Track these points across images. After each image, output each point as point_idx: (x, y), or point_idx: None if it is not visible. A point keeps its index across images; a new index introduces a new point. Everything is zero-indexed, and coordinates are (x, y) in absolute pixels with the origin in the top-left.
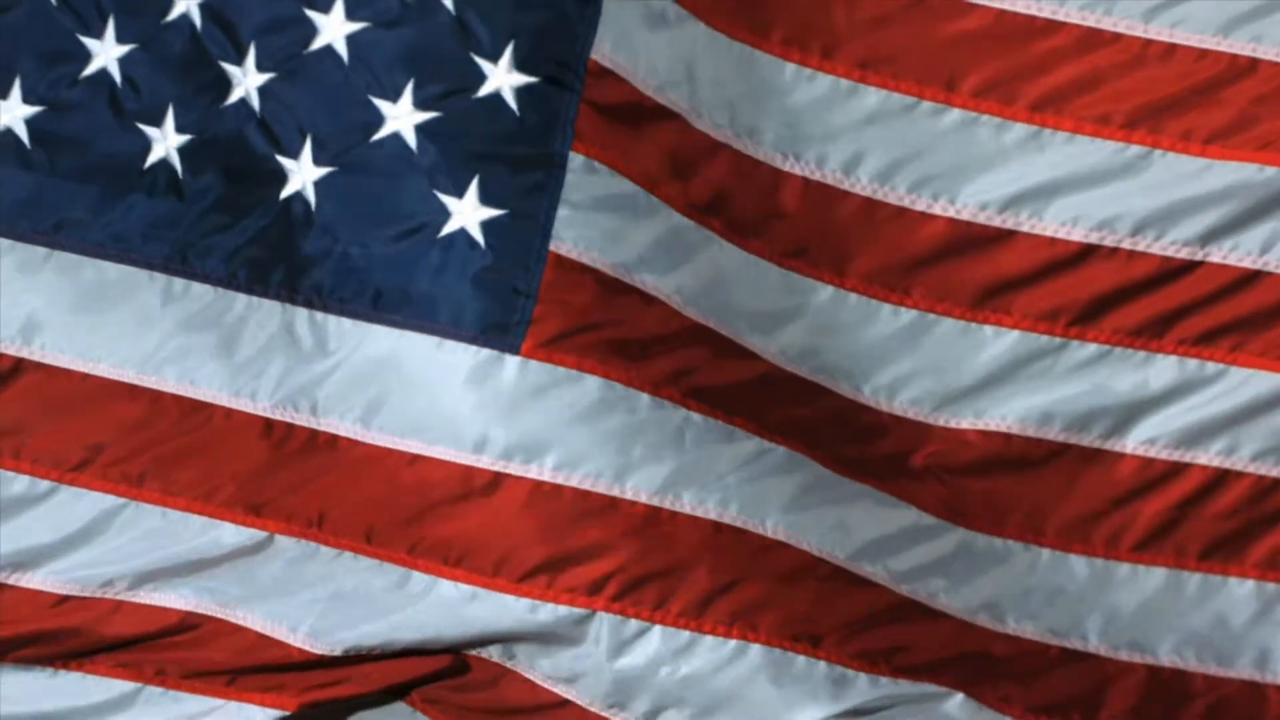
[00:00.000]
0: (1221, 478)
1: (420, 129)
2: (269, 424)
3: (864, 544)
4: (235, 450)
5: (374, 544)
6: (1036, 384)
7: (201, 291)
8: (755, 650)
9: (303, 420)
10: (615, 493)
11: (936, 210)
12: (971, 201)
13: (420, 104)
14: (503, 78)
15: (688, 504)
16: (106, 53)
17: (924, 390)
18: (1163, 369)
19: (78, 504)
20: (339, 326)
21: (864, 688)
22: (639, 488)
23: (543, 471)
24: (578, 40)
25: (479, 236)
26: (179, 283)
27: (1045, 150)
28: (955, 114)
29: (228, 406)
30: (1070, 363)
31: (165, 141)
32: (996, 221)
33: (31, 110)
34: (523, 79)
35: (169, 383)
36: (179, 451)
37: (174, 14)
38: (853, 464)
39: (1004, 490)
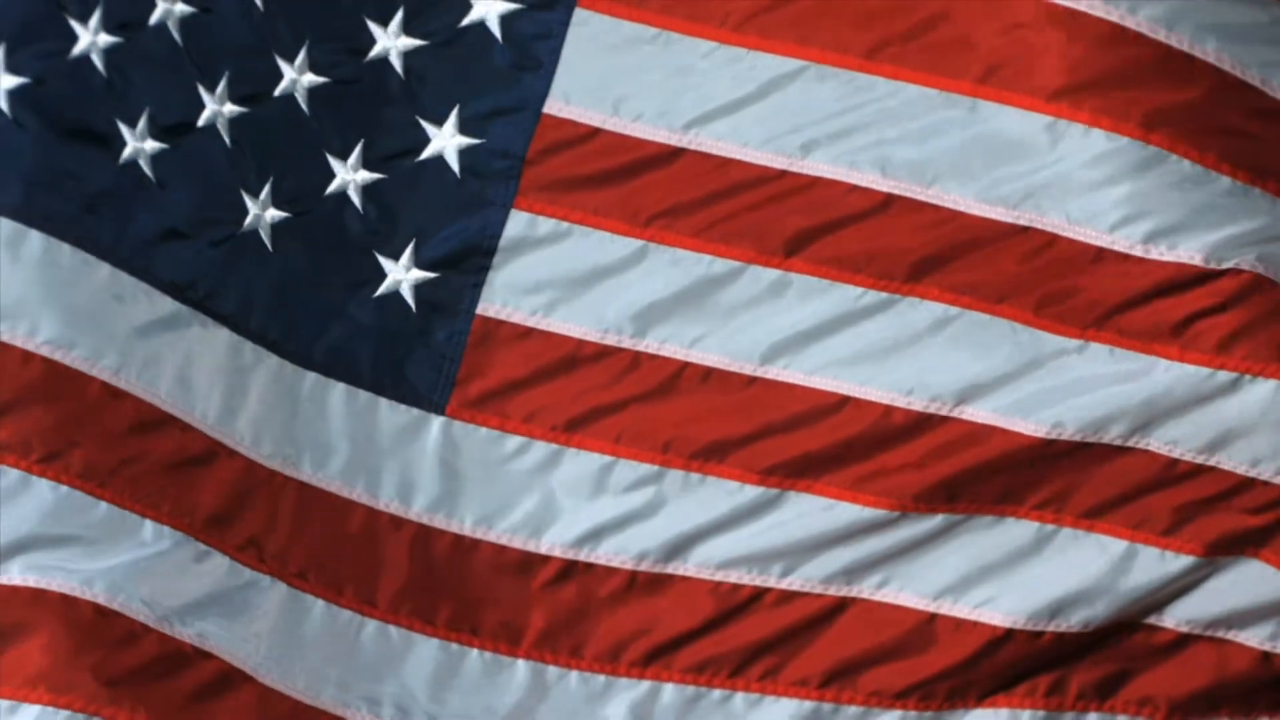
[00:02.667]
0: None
1: (365, 189)
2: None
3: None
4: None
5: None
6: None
7: (143, 290)
8: (668, 689)
9: (242, 449)
10: (530, 548)
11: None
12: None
13: (368, 164)
14: (445, 140)
15: (602, 555)
16: (93, 38)
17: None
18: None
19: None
20: (281, 368)
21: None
22: (554, 543)
23: (463, 527)
24: (528, 97)
25: (410, 299)
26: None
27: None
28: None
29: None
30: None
31: (138, 144)
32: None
33: (16, 81)
34: (466, 141)
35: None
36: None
37: (155, 18)
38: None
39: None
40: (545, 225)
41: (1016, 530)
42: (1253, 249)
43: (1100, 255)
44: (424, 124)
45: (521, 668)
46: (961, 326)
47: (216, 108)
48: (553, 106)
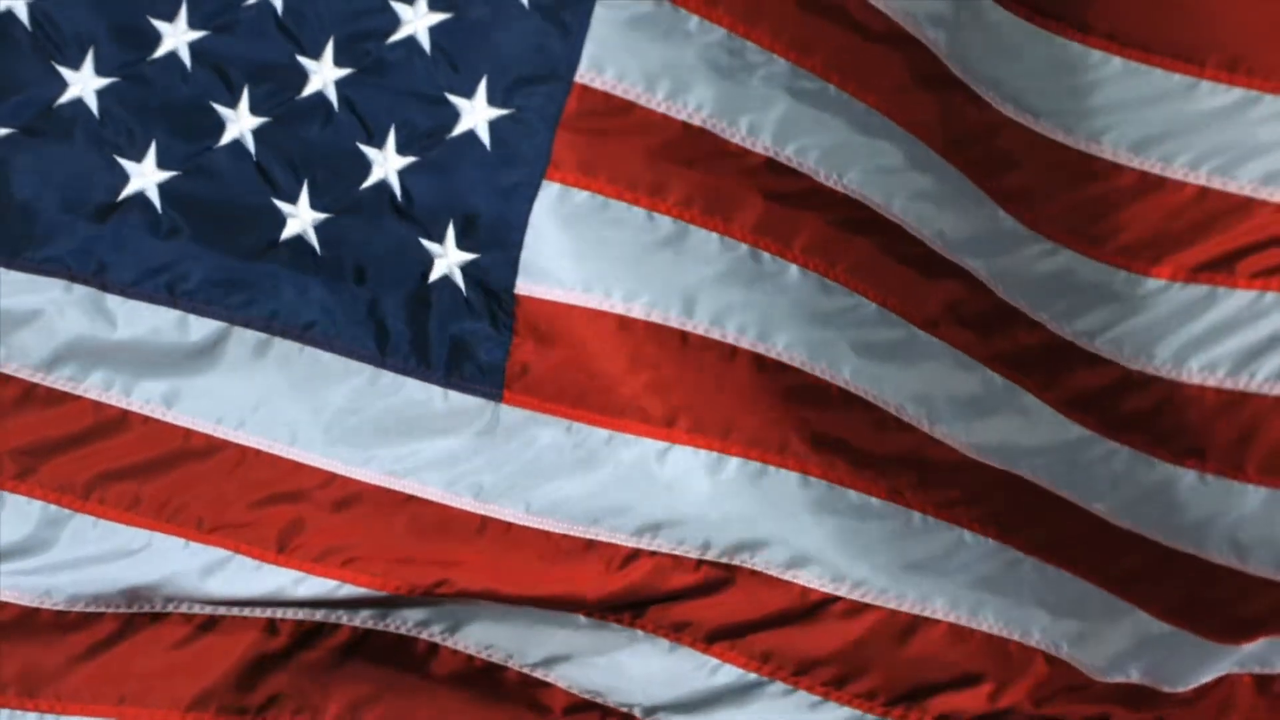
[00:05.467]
0: None
1: (403, 174)
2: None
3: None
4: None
5: (353, 569)
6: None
7: (197, 324)
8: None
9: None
10: (591, 535)
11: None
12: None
13: (402, 149)
14: (476, 114)
15: (664, 542)
16: (84, 83)
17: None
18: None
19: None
20: (345, 367)
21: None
22: (615, 532)
23: (519, 515)
24: (558, 67)
25: (460, 282)
26: (148, 308)
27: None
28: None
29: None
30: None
31: (145, 177)
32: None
33: (4, 132)
34: (496, 112)
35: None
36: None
37: (161, 51)
38: (888, 485)
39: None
40: (580, 197)
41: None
42: None
43: None
44: (453, 99)
45: (583, 620)
46: None
47: (240, 124)
48: (586, 76)
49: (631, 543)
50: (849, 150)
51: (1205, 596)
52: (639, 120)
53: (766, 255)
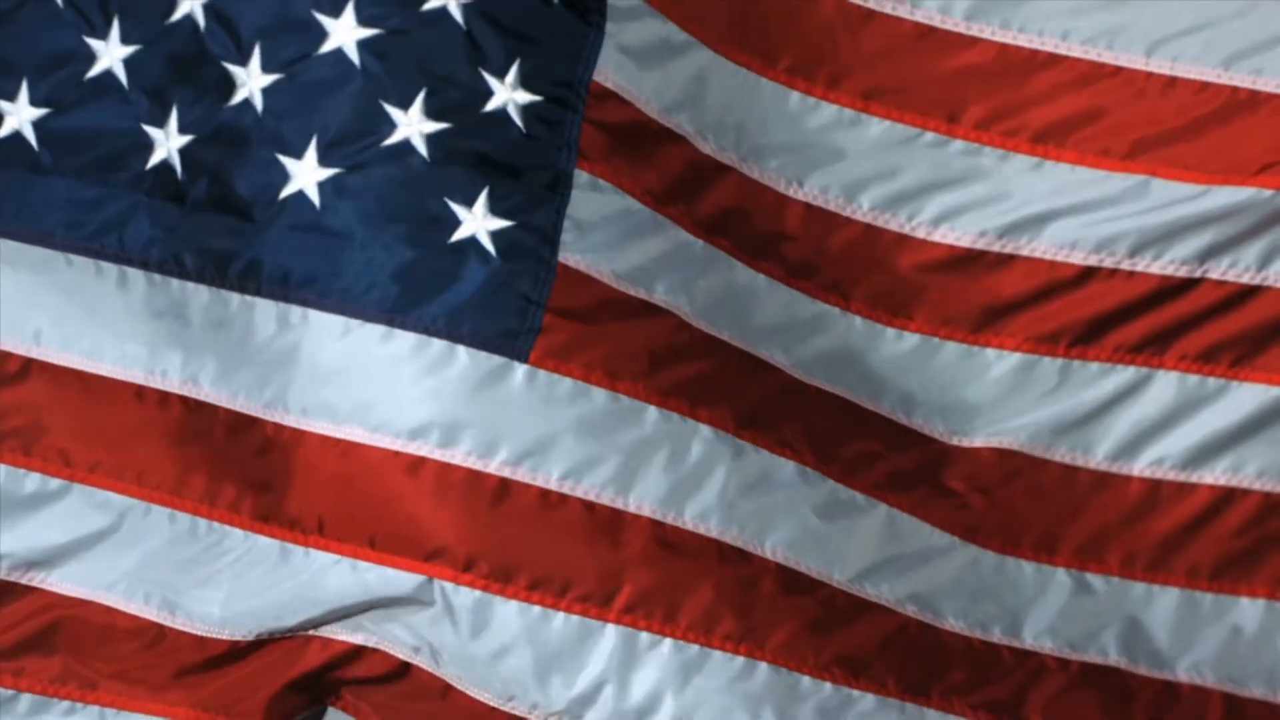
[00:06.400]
0: (1229, 496)
1: (430, 138)
2: (276, 428)
3: (869, 565)
4: (240, 453)
5: (378, 549)
6: (1041, 404)
7: (195, 291)
8: (763, 668)
9: (318, 427)
10: (619, 505)
11: (936, 237)
12: (972, 228)
13: (430, 114)
14: (508, 94)
15: (689, 520)
16: (111, 53)
17: (934, 410)
18: (1164, 386)
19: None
20: (345, 328)
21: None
22: (642, 500)
23: (549, 480)
24: (580, 62)
25: (489, 245)
26: (177, 284)
27: (1046, 179)
28: (958, 144)
29: (229, 408)
30: (1074, 383)
31: (168, 143)
32: (996, 247)
33: (39, 112)
34: (528, 97)
35: (174, 383)
36: (186, 453)
37: (178, 14)
38: (871, 479)
39: (1018, 509)
40: (606, 188)
41: None
42: None
43: None
44: (486, 75)
45: (611, 633)
46: None
47: (249, 81)
48: (601, 74)
49: (658, 515)
50: (809, 159)
51: (1187, 542)
52: (642, 126)
53: (739, 265)
